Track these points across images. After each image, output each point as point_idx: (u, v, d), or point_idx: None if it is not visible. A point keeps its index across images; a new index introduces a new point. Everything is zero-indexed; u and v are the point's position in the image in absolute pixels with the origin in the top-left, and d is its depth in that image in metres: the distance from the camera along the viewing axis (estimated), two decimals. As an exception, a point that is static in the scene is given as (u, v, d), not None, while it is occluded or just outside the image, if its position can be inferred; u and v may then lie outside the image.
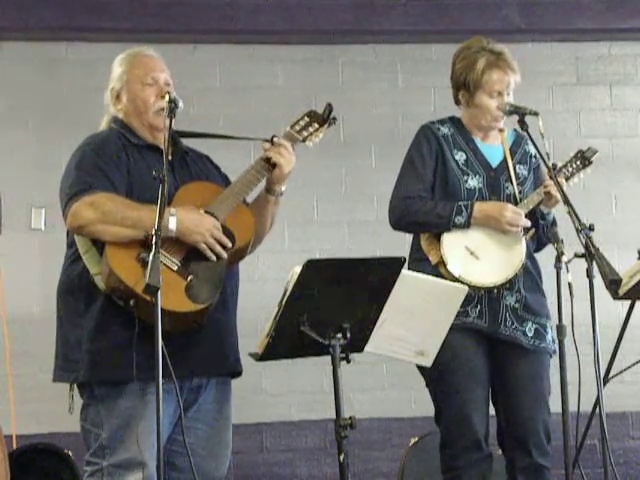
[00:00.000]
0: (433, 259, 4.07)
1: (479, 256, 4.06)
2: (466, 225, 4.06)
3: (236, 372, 3.69)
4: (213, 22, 6.18)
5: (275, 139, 3.66)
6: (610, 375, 4.93)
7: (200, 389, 3.58)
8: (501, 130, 4.24)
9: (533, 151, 4.26)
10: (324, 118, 3.74)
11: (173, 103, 3.46)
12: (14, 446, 5.40)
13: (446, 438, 4.10)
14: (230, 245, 3.51)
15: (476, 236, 4.09)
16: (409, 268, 4.09)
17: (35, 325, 5.86)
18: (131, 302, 3.35)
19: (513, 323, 4.08)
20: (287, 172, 3.65)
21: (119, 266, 3.37)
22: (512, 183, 4.15)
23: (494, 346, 4.10)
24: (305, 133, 3.72)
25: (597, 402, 3.74)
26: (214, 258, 3.48)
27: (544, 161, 4.06)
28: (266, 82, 6.36)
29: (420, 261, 4.11)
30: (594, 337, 3.62)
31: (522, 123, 4.02)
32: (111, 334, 3.44)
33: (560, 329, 3.67)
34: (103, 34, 6.07)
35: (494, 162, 4.21)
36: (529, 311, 4.10)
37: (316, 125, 3.73)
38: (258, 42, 6.35)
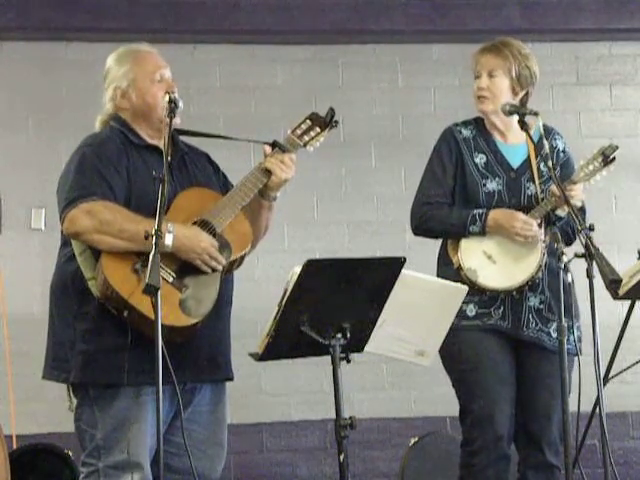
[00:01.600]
0: (455, 263, 4.09)
1: (496, 260, 4.07)
2: (481, 233, 4.08)
3: (229, 378, 3.69)
4: (213, 22, 6.18)
5: (277, 148, 3.64)
6: (610, 375, 4.92)
7: (194, 391, 3.58)
8: (528, 128, 4.21)
9: (561, 146, 4.25)
10: (326, 122, 3.68)
11: (173, 103, 3.45)
12: (14, 446, 5.40)
13: (467, 436, 4.10)
14: (225, 263, 3.50)
15: (493, 240, 4.09)
16: (437, 272, 4.15)
17: (35, 325, 5.80)
18: (125, 313, 3.35)
19: (537, 324, 4.08)
20: (284, 181, 3.63)
21: (114, 276, 3.36)
22: (534, 182, 4.15)
23: (517, 346, 4.11)
24: (306, 137, 3.67)
25: (597, 402, 3.74)
26: (210, 271, 3.48)
27: (544, 161, 4.06)
28: (266, 82, 6.36)
29: (446, 265, 4.13)
30: (594, 337, 3.62)
31: (522, 123, 4.01)
32: (105, 337, 3.44)
33: (560, 329, 3.67)
34: (103, 34, 6.06)
35: (515, 163, 4.19)
36: (554, 312, 4.08)
37: (317, 129, 3.68)
38: (258, 42, 6.35)
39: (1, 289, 5.71)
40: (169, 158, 3.57)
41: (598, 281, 3.57)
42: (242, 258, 3.60)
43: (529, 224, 4.04)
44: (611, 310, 5.19)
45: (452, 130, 4.24)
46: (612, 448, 3.81)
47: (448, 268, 4.09)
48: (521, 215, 4.06)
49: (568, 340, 4.06)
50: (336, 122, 3.70)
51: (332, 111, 3.69)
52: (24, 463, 5.20)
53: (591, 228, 3.64)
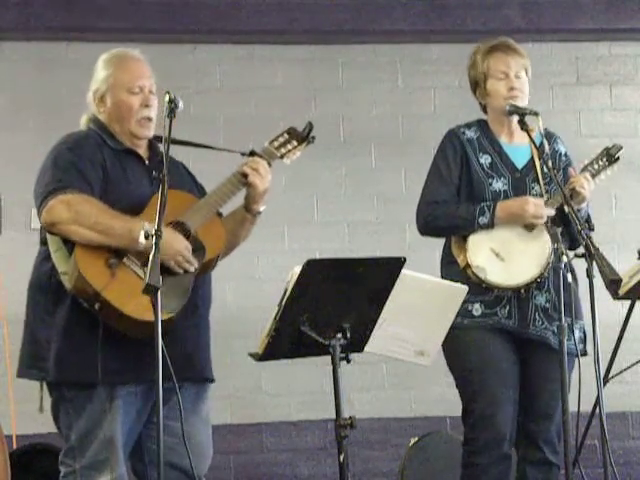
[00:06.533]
0: (461, 262, 4.09)
1: (504, 258, 4.07)
2: (490, 225, 4.08)
3: (207, 378, 3.68)
4: (213, 22, 6.18)
5: (252, 157, 3.67)
6: (610, 375, 4.93)
7: (171, 391, 3.46)
8: (530, 130, 4.22)
9: (563, 150, 4.27)
10: (303, 136, 3.75)
11: (173, 103, 3.45)
12: (14, 446, 5.40)
13: (469, 435, 4.12)
14: (197, 265, 3.50)
15: (501, 237, 4.10)
16: (441, 272, 4.16)
17: (35, 325, 5.84)
18: (96, 306, 3.37)
19: (543, 322, 4.09)
20: (262, 191, 3.65)
21: (87, 269, 3.38)
22: (539, 183, 4.15)
23: (522, 345, 4.12)
24: (284, 150, 3.73)
25: (597, 402, 3.74)
26: (182, 272, 3.48)
27: (544, 161, 4.06)
28: (266, 82, 6.36)
29: (451, 264, 4.14)
30: (594, 337, 3.63)
31: (522, 123, 4.03)
32: (79, 335, 3.46)
33: (560, 329, 3.67)
34: (103, 34, 6.06)
35: (520, 163, 4.21)
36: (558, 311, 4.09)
37: (295, 142, 3.74)
38: (258, 42, 6.35)
39: (1, 289, 5.70)
40: (147, 162, 3.65)
41: (598, 281, 3.58)
42: (214, 261, 3.62)
43: (540, 205, 4.05)
44: (611, 310, 5.19)
45: (456, 132, 4.27)
46: (612, 448, 3.81)
47: (453, 267, 4.10)
48: (530, 198, 4.08)
49: (571, 339, 4.08)
50: (313, 137, 3.76)
51: (310, 125, 3.76)
52: (24, 463, 5.20)
53: (591, 228, 3.65)
